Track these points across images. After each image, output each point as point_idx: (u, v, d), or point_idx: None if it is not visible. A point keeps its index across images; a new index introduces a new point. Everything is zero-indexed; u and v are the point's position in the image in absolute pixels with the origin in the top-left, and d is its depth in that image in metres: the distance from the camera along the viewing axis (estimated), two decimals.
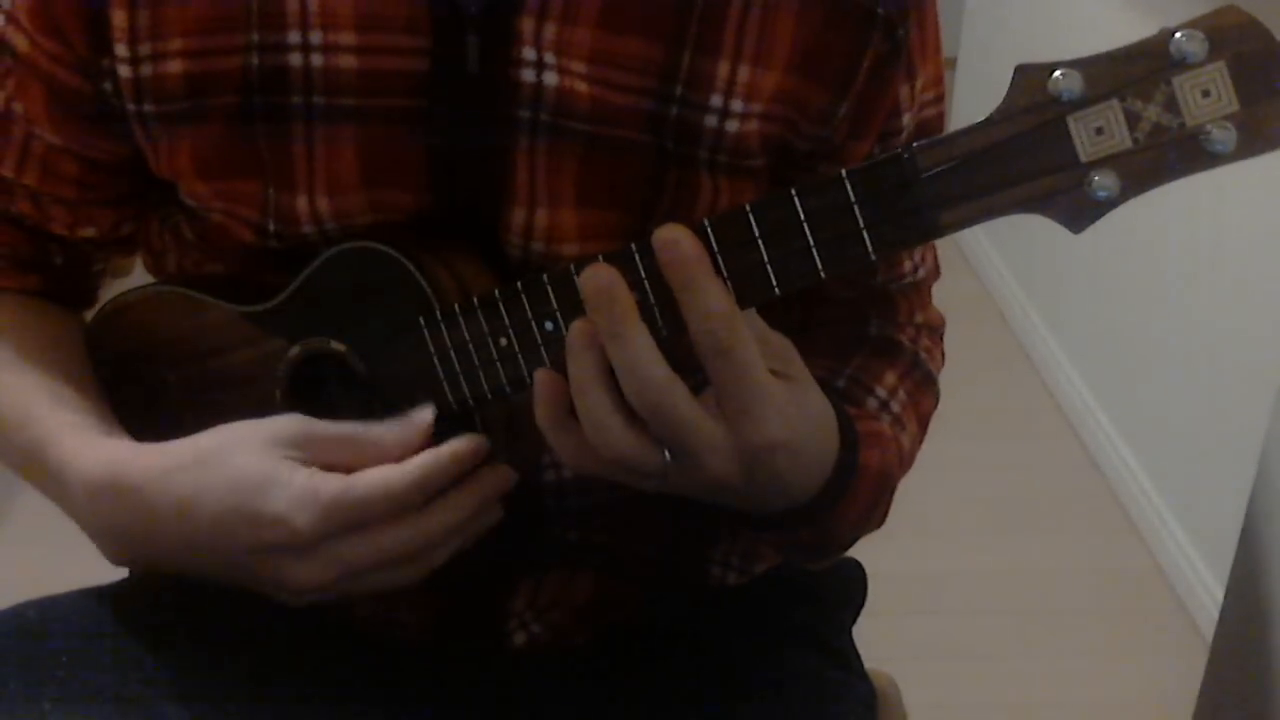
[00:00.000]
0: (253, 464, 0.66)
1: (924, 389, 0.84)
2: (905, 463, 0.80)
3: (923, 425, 0.84)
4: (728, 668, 0.82)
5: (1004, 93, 0.55)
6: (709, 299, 0.59)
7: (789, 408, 0.62)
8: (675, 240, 0.59)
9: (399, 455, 0.67)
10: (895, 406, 0.81)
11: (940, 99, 0.79)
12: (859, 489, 0.71)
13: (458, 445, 0.67)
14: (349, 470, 0.66)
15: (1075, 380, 2.48)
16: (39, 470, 0.74)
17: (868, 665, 0.93)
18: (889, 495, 0.76)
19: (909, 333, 0.85)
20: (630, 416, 0.61)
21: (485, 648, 0.82)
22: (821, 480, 0.68)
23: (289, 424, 0.68)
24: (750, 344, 0.60)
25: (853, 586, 0.95)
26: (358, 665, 0.81)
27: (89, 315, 0.87)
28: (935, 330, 0.87)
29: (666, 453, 0.62)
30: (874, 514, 0.75)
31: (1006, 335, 2.81)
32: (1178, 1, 1.92)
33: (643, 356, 0.60)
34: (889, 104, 0.74)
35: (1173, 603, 2.01)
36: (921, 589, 2.00)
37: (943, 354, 0.88)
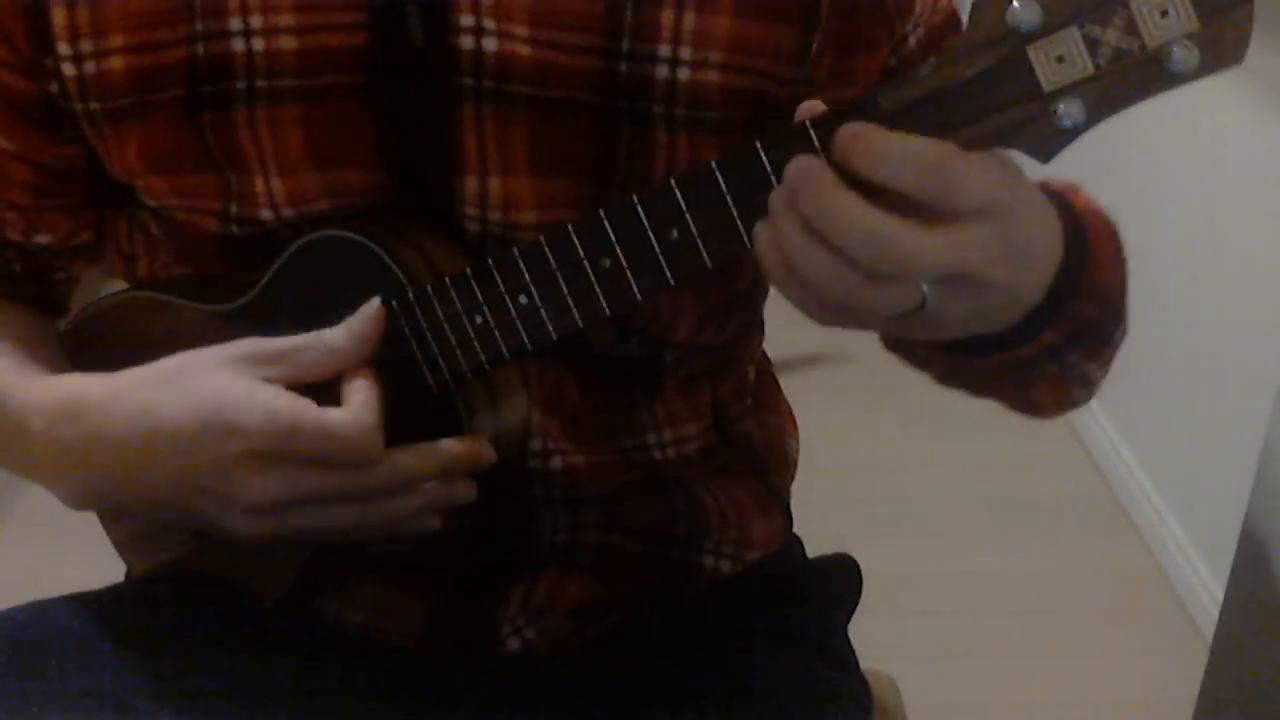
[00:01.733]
0: (214, 381, 0.66)
1: None
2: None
3: None
4: (721, 668, 0.82)
5: None
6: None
7: (993, 171, 0.56)
8: (806, 168, 0.55)
9: (356, 355, 0.67)
10: None
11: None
12: (1098, 230, 0.67)
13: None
14: (314, 379, 0.67)
15: None
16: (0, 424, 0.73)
17: (867, 665, 0.93)
18: (1123, 249, 0.70)
19: None
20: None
21: (479, 654, 0.82)
22: (1059, 239, 0.62)
23: (246, 343, 0.68)
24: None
25: (848, 584, 0.95)
26: (350, 672, 0.80)
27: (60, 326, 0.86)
28: None
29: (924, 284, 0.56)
30: (1124, 264, 0.70)
31: None
32: None
33: (849, 210, 0.54)
34: (872, 25, 0.72)
35: (1173, 603, 2.01)
36: (921, 589, 2.00)
37: None
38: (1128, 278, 0.71)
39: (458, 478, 0.69)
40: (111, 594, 0.82)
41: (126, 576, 0.92)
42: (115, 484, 0.70)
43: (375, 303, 0.68)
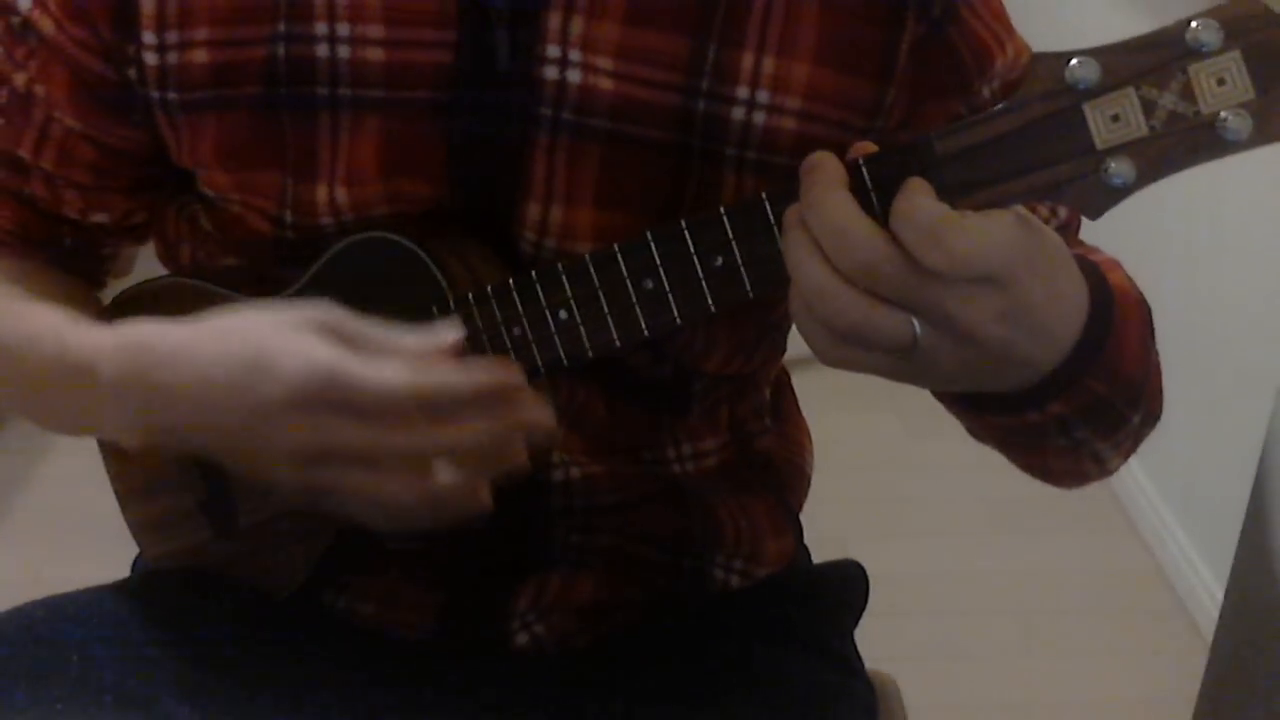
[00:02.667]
0: (270, 335, 0.64)
1: None
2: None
3: None
4: (728, 671, 0.82)
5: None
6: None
7: (1011, 234, 0.56)
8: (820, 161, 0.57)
9: (414, 370, 0.62)
10: None
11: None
12: (1127, 310, 0.66)
13: (481, 375, 0.62)
14: None
15: None
16: (63, 374, 0.71)
17: (868, 665, 0.93)
18: (1153, 335, 0.70)
19: None
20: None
21: (488, 648, 0.82)
22: (1082, 313, 0.62)
23: (316, 310, 0.65)
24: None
25: (854, 589, 0.95)
26: (362, 664, 0.81)
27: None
28: None
29: (915, 321, 0.56)
30: (1151, 351, 0.69)
31: None
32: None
33: (839, 213, 0.55)
34: (947, 76, 0.72)
35: (1173, 603, 2.01)
36: (921, 589, 2.00)
37: None
38: (1157, 368, 0.71)
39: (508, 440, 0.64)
40: (124, 587, 0.83)
41: (132, 571, 0.92)
42: (173, 431, 0.69)
43: (455, 334, 0.63)
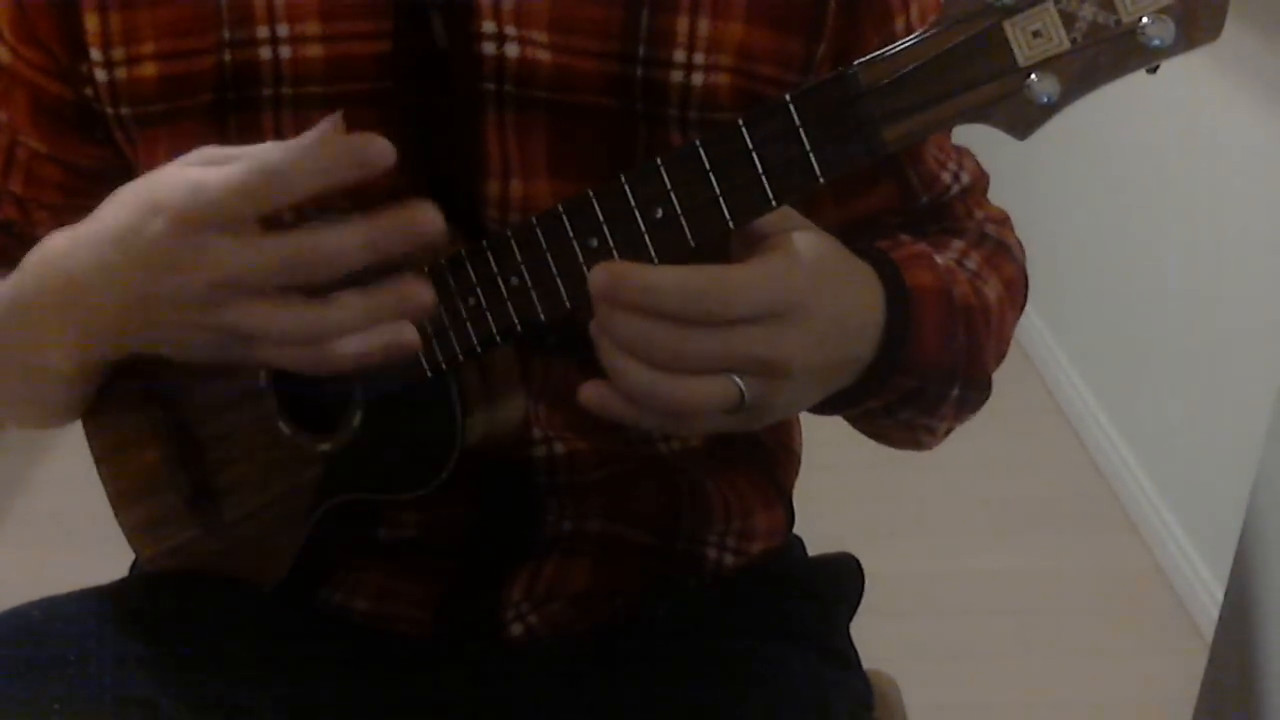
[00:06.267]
0: (152, 175, 0.62)
1: (1000, 256, 0.81)
2: (990, 312, 0.77)
3: (1009, 287, 0.80)
4: (723, 663, 0.82)
5: None
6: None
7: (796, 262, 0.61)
8: (614, 271, 0.59)
9: (298, 175, 0.59)
10: (971, 264, 0.78)
11: None
12: (925, 309, 0.69)
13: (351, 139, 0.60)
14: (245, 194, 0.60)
15: (1075, 380, 2.48)
16: (4, 318, 0.71)
17: (868, 665, 0.93)
18: (971, 323, 0.73)
19: (972, 223, 0.83)
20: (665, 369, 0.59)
21: (483, 640, 0.83)
22: (879, 316, 0.66)
23: (197, 151, 0.63)
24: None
25: (849, 583, 0.95)
26: (357, 660, 0.81)
27: None
28: (1000, 221, 0.85)
29: (737, 379, 0.60)
30: (956, 337, 0.72)
31: None
32: None
33: (635, 324, 0.58)
34: (871, 37, 0.73)
35: (1173, 603, 2.01)
36: (921, 589, 2.00)
37: (1018, 241, 0.85)
38: (973, 343, 0.74)
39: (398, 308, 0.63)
40: (120, 588, 0.83)
41: (130, 572, 0.92)
42: (93, 321, 0.67)
43: (336, 117, 0.60)
